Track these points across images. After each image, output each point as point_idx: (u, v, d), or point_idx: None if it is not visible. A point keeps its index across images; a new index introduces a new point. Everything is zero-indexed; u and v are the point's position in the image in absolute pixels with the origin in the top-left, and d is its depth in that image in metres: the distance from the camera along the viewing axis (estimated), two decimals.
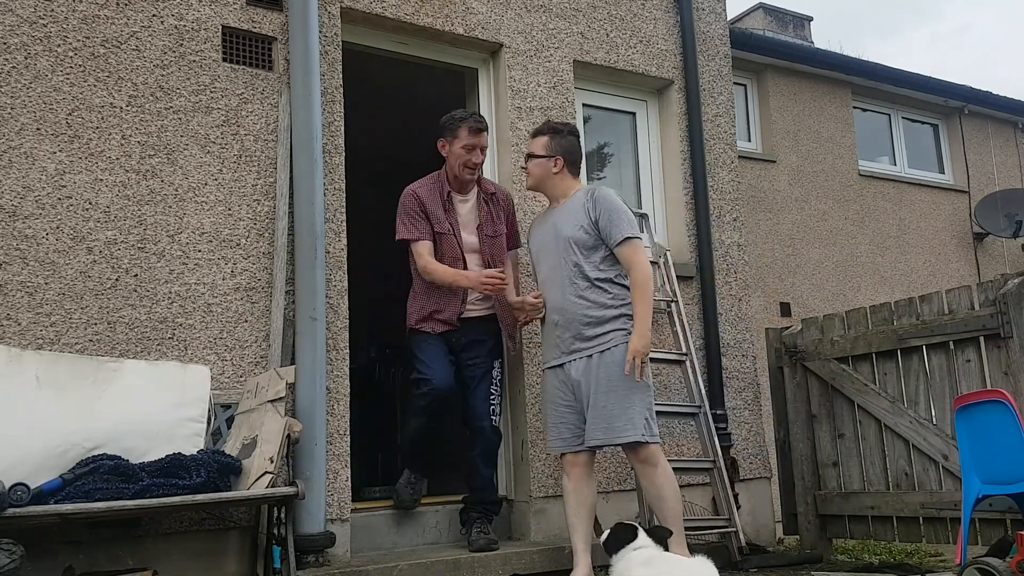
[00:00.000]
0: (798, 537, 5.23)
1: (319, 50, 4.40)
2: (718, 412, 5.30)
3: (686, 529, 4.80)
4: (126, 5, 4.08)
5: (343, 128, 4.57)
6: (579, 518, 3.99)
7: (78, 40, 3.95)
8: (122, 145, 3.97)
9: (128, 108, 4.01)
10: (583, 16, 5.52)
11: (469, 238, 4.40)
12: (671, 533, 3.59)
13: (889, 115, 9.58)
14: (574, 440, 4.04)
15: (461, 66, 5.28)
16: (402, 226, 4.36)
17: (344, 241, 4.44)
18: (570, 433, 4.05)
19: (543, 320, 4.25)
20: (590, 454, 4.06)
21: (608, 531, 3.42)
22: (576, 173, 4.30)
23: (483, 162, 4.45)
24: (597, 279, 4.02)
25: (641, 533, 3.36)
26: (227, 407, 3.92)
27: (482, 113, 5.24)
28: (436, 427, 4.36)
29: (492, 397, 4.34)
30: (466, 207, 4.44)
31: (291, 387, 3.83)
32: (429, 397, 4.23)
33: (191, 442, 3.56)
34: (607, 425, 3.91)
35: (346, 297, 4.40)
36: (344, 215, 4.47)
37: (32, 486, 3.04)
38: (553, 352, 4.16)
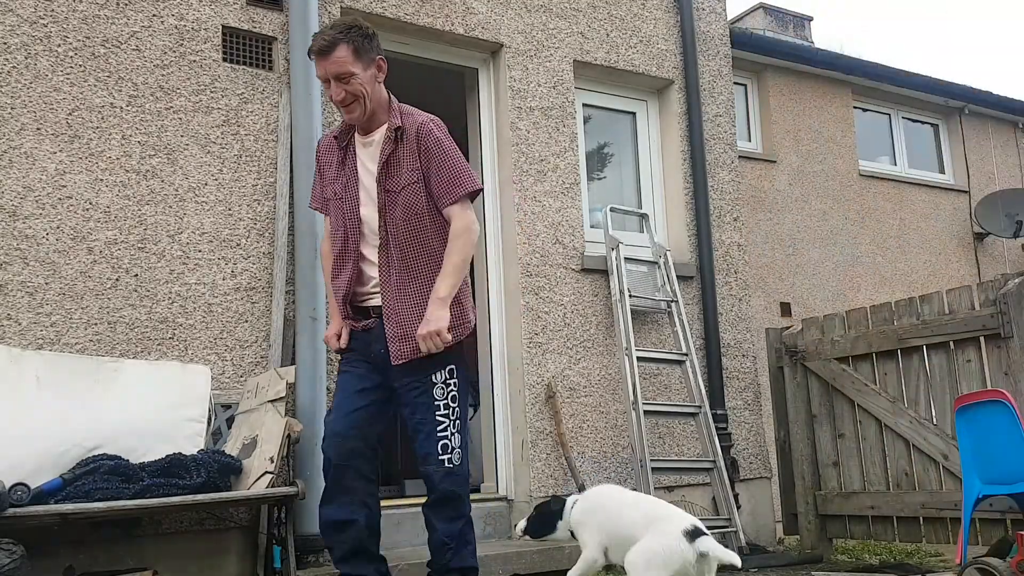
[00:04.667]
0: (798, 537, 5.23)
1: None
2: (718, 412, 5.30)
3: None
4: (126, 5, 4.08)
5: None
6: None
7: (78, 40, 3.95)
8: (122, 145, 3.97)
9: (128, 108, 4.01)
10: (583, 16, 5.52)
11: (365, 195, 3.15)
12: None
13: (889, 115, 9.57)
14: None
15: (461, 66, 5.29)
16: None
17: None
18: None
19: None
20: None
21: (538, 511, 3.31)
22: None
23: (351, 94, 3.04)
24: None
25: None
26: (227, 407, 3.92)
27: (482, 113, 5.25)
28: (354, 498, 3.08)
29: (440, 429, 3.03)
30: (367, 152, 3.16)
31: (291, 387, 3.83)
32: (327, 461, 3.09)
33: (191, 442, 3.56)
34: None
35: None
36: None
37: (32, 486, 3.04)
38: None
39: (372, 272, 3.11)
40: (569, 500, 3.23)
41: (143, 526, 3.67)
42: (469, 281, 3.23)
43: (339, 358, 3.30)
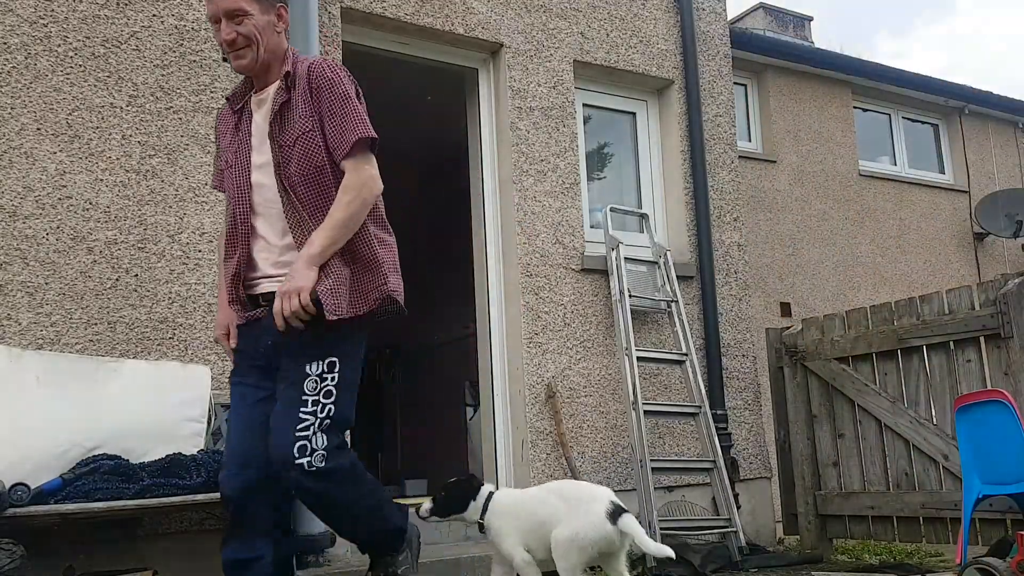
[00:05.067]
0: (798, 537, 5.23)
1: (319, 50, 4.40)
2: (718, 412, 5.30)
3: (686, 529, 4.82)
4: (126, 5, 4.08)
5: None
6: None
7: (78, 40, 3.95)
8: (122, 145, 3.97)
9: (128, 108, 4.01)
10: (583, 16, 5.52)
11: (258, 157, 2.76)
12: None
13: (889, 115, 9.57)
14: None
15: (461, 66, 5.29)
16: None
17: None
18: None
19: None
20: None
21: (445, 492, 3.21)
22: None
23: (243, 36, 2.71)
24: None
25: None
26: (227, 407, 3.91)
27: (482, 113, 5.25)
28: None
29: (301, 428, 2.57)
30: (262, 111, 2.80)
31: None
32: (225, 498, 2.70)
33: (191, 442, 3.55)
34: None
35: None
36: None
37: (32, 486, 3.04)
38: None
39: (265, 252, 2.74)
40: (486, 489, 3.19)
41: (143, 526, 3.67)
42: (395, 244, 2.83)
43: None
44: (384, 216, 2.84)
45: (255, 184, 2.74)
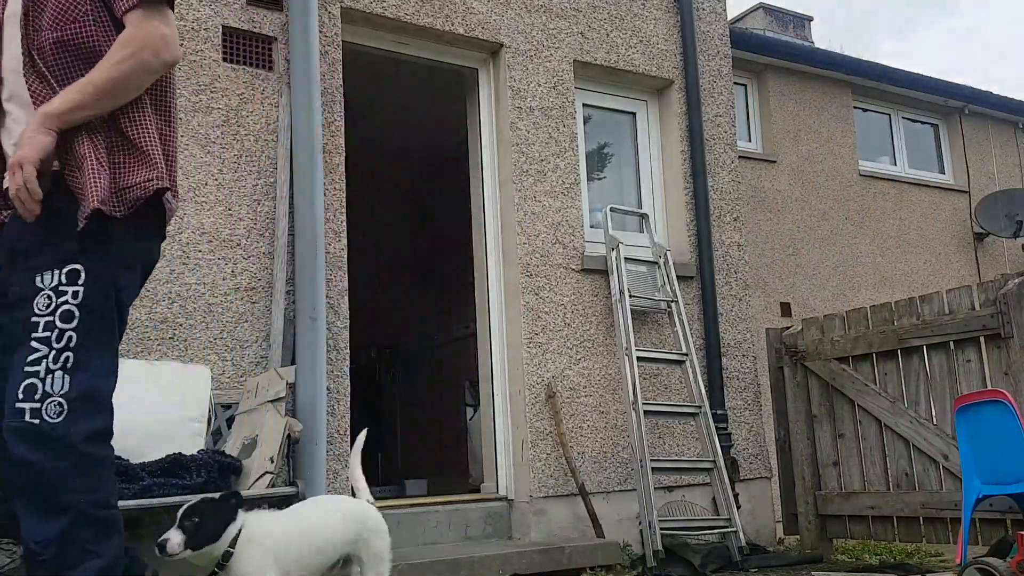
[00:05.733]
0: (798, 537, 5.23)
1: (319, 50, 4.41)
2: (718, 412, 5.30)
3: (686, 529, 4.82)
4: None
5: (343, 128, 4.57)
6: None
7: None
8: None
9: None
10: (583, 16, 5.52)
11: (10, 6, 2.12)
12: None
13: (889, 115, 9.57)
14: None
15: (461, 66, 5.29)
16: None
17: (344, 241, 4.45)
18: None
19: None
20: None
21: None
22: None
23: None
24: None
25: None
26: (227, 407, 3.92)
27: (482, 113, 5.26)
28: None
29: (31, 361, 1.91)
30: None
31: (291, 387, 3.83)
32: None
33: (191, 442, 3.56)
34: None
35: (346, 297, 4.40)
36: (344, 215, 4.47)
37: None
38: None
39: (16, 130, 2.07)
40: (242, 513, 2.51)
41: (143, 526, 3.67)
42: (176, 141, 2.29)
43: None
44: (173, 108, 2.22)
45: (4, 46, 2.09)
